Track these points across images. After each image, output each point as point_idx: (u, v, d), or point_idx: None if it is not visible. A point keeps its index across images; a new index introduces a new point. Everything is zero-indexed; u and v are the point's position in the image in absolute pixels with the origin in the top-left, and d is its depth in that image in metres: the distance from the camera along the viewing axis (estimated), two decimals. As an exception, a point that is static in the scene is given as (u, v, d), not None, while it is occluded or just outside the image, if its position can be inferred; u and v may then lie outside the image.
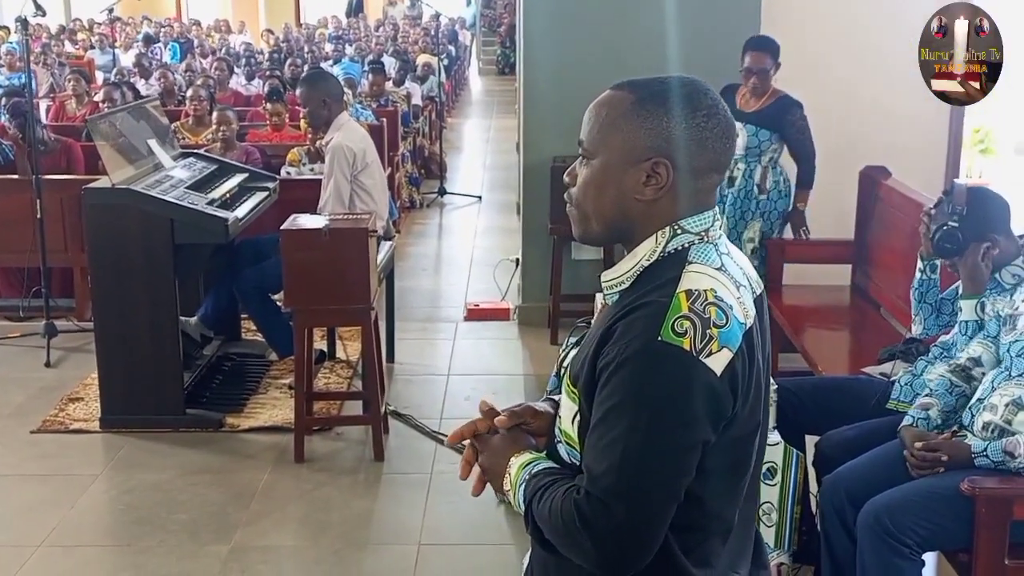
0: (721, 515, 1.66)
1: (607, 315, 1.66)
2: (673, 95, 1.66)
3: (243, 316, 5.90)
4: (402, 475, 4.58)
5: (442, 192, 10.51)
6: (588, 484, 1.56)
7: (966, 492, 2.82)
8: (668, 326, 1.53)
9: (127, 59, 14.34)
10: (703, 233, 1.66)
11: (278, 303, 5.53)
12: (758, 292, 1.71)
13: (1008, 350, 3.08)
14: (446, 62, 14.83)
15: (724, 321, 1.56)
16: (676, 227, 1.66)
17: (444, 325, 6.58)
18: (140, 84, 10.87)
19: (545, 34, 6.15)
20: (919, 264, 3.59)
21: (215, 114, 7.10)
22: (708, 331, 1.54)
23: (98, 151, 5.07)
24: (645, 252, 1.66)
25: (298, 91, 5.55)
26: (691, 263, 1.62)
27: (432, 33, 17.51)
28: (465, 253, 8.54)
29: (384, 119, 8.64)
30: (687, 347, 1.53)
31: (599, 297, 4.22)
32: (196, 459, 4.69)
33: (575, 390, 1.67)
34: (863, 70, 6.15)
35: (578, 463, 1.67)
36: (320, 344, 5.67)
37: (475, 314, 6.63)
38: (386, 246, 5.40)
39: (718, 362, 1.54)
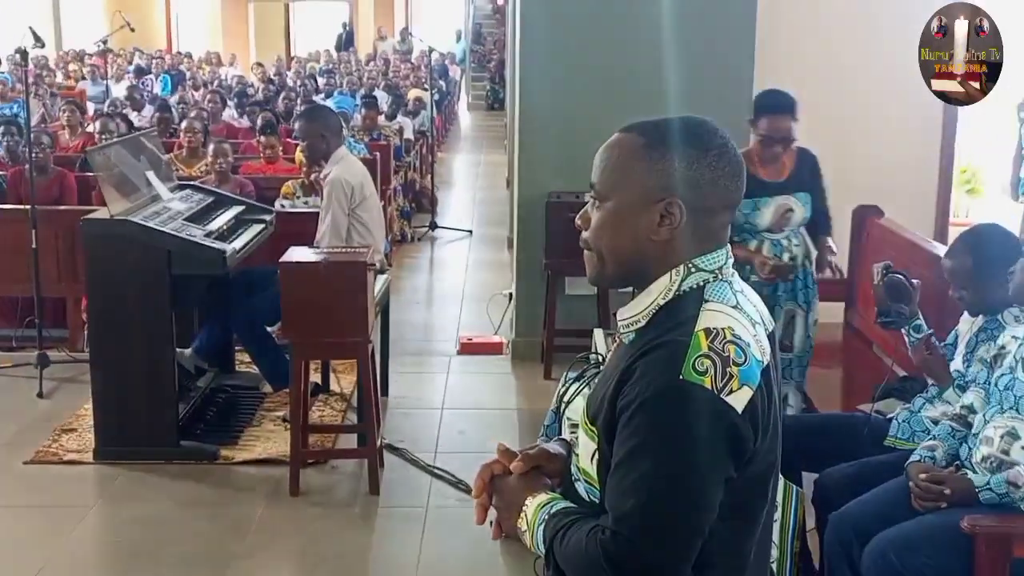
0: (739, 551, 1.68)
1: (624, 354, 1.68)
2: (683, 136, 1.69)
3: (237, 348, 5.89)
4: (398, 508, 4.57)
5: (433, 226, 10.54)
6: (614, 523, 1.57)
7: (966, 530, 2.84)
8: (689, 365, 1.56)
9: (118, 90, 14.37)
10: (717, 271, 1.69)
11: (273, 335, 5.55)
12: (770, 329, 1.74)
13: (996, 385, 3.11)
14: (436, 97, 14.91)
15: (743, 359, 1.58)
16: (690, 265, 1.68)
17: (437, 359, 6.58)
18: (133, 116, 10.88)
19: (539, 69, 6.20)
20: (904, 332, 3.62)
21: (212, 146, 7.13)
22: (728, 369, 1.56)
23: (95, 182, 5.10)
24: (660, 290, 1.69)
25: (296, 125, 5.58)
26: (708, 301, 1.65)
27: (422, 68, 17.62)
28: (457, 287, 8.55)
29: (377, 153, 8.69)
30: (708, 385, 1.55)
31: (597, 333, 4.26)
32: (191, 491, 4.67)
33: (593, 428, 1.69)
34: (854, 110, 6.24)
35: (598, 501, 1.69)
36: (314, 376, 5.66)
37: (468, 348, 6.64)
38: (382, 279, 5.41)
39: (739, 400, 1.56)
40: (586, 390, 3.48)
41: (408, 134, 11.65)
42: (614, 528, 1.57)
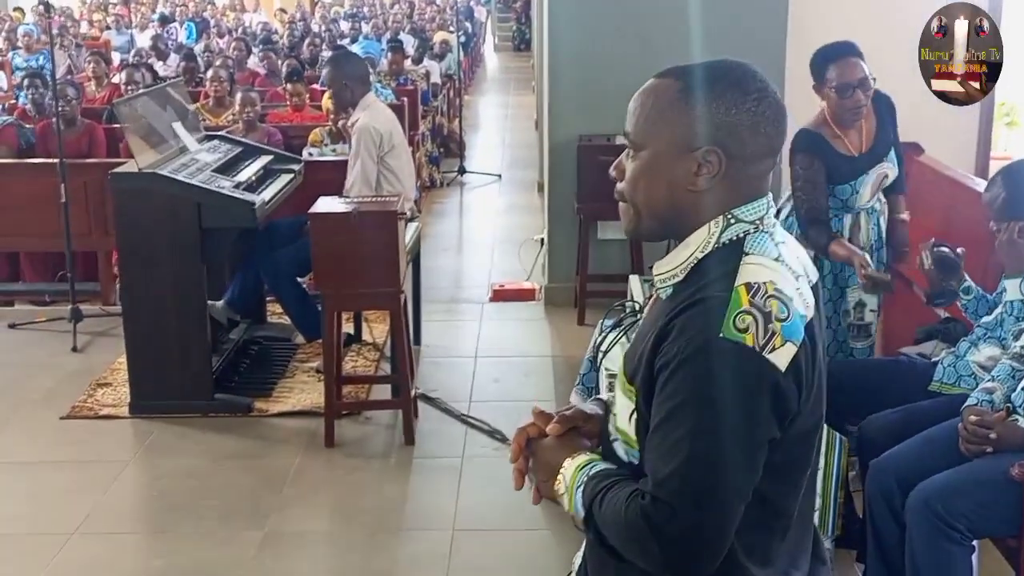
0: (783, 512, 1.62)
1: (662, 310, 1.61)
2: (721, 81, 1.60)
3: (269, 299, 5.87)
4: (433, 459, 4.55)
5: (462, 171, 10.45)
6: (654, 488, 1.51)
7: (1016, 477, 2.77)
8: (729, 322, 1.49)
9: (143, 40, 14.30)
10: (758, 221, 1.61)
11: (305, 286, 5.52)
12: (814, 281, 1.67)
13: None
14: (463, 39, 14.74)
15: (786, 315, 1.51)
16: (730, 216, 1.60)
17: (469, 306, 6.54)
18: (158, 65, 10.81)
19: (568, 10, 6.07)
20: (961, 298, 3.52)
21: (239, 95, 7.05)
22: (771, 325, 1.49)
23: (123, 134, 5.04)
24: (699, 243, 1.61)
25: (323, 72, 5.50)
26: (748, 254, 1.57)
27: (448, 10, 17.42)
28: (487, 233, 8.49)
29: (405, 98, 8.59)
30: (750, 343, 1.48)
31: (633, 280, 4.19)
32: (226, 444, 4.67)
33: (632, 387, 1.62)
34: (892, 43, 6.06)
35: (637, 462, 1.63)
36: (347, 327, 5.63)
37: (501, 295, 6.59)
38: (412, 228, 5.36)
39: (782, 357, 1.49)
40: (624, 340, 3.43)
41: (435, 78, 11.53)
42: (654, 493, 1.51)
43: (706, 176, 1.59)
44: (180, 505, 4.20)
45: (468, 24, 18.18)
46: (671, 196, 1.62)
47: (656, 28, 5.86)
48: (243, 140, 5.91)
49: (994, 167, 6.79)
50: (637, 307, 3.71)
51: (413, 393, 4.78)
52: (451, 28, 13.59)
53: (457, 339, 5.98)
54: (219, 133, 5.99)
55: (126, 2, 15.33)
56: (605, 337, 3.51)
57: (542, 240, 6.87)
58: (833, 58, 3.79)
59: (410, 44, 12.41)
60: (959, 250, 3.50)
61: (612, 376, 3.26)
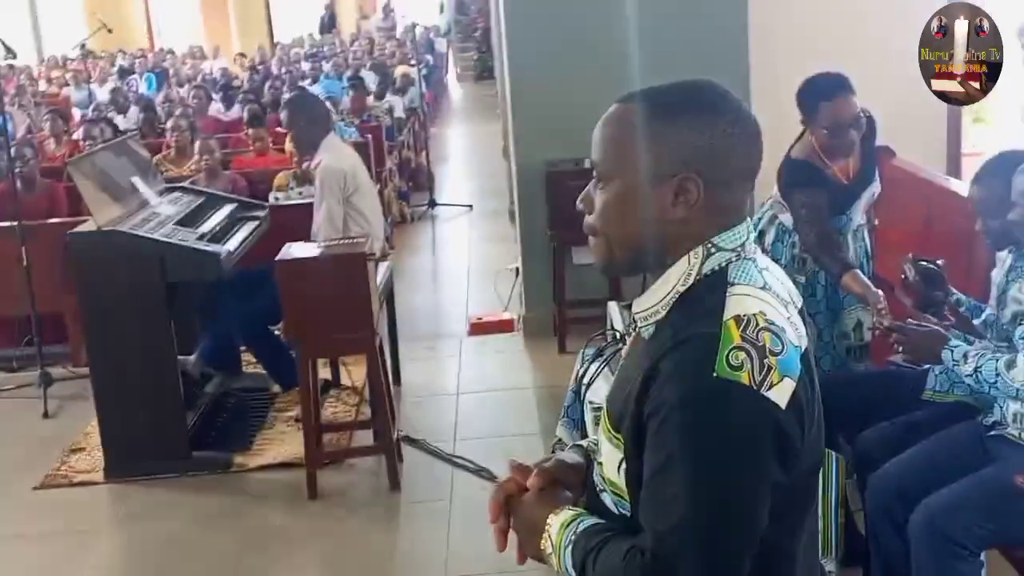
0: (788, 554, 1.51)
1: (645, 351, 1.50)
2: (692, 102, 1.51)
3: (242, 348, 5.75)
4: (421, 504, 4.42)
5: (432, 204, 10.35)
6: (654, 545, 1.40)
7: (1022, 485, 2.68)
8: (722, 360, 1.38)
9: (102, 94, 14.17)
10: (739, 249, 1.51)
11: (278, 333, 5.40)
12: (799, 306, 1.57)
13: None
14: (424, 72, 14.67)
15: (780, 348, 1.41)
16: (710, 245, 1.50)
17: (448, 341, 6.43)
18: (118, 119, 10.69)
19: (527, 37, 6.00)
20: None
21: (197, 144, 6.96)
22: (766, 360, 1.39)
23: (80, 193, 4.93)
24: (679, 276, 1.51)
25: (281, 115, 5.40)
26: (733, 284, 1.47)
27: (408, 44, 17.37)
28: (462, 265, 8.40)
29: (369, 135, 8.50)
30: (746, 382, 1.37)
31: (612, 307, 4.08)
32: (207, 504, 4.53)
33: (618, 435, 1.51)
34: (855, 46, 6.02)
35: (629, 513, 1.52)
36: (323, 372, 5.51)
37: (479, 328, 6.48)
38: (383, 267, 5.25)
39: (781, 394, 1.39)
40: (607, 371, 3.34)
41: (399, 112, 11.44)
42: (654, 550, 1.39)
43: (683, 205, 1.49)
44: (163, 572, 4.06)
45: (429, 57, 18.16)
46: (646, 228, 1.51)
47: (615, 49, 5.77)
48: (205, 189, 5.80)
49: (966, 164, 6.76)
50: (618, 335, 3.62)
51: (396, 436, 4.66)
52: (412, 61, 13.51)
53: (437, 376, 5.87)
54: (181, 184, 5.88)
55: (84, 57, 15.17)
56: (587, 368, 3.42)
57: (516, 269, 6.77)
58: (826, 96, 3.60)
59: (372, 80, 12.33)
60: (939, 261, 3.41)
61: (597, 409, 3.17)
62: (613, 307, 3.80)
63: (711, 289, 1.47)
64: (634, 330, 1.61)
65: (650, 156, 1.49)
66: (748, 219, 1.54)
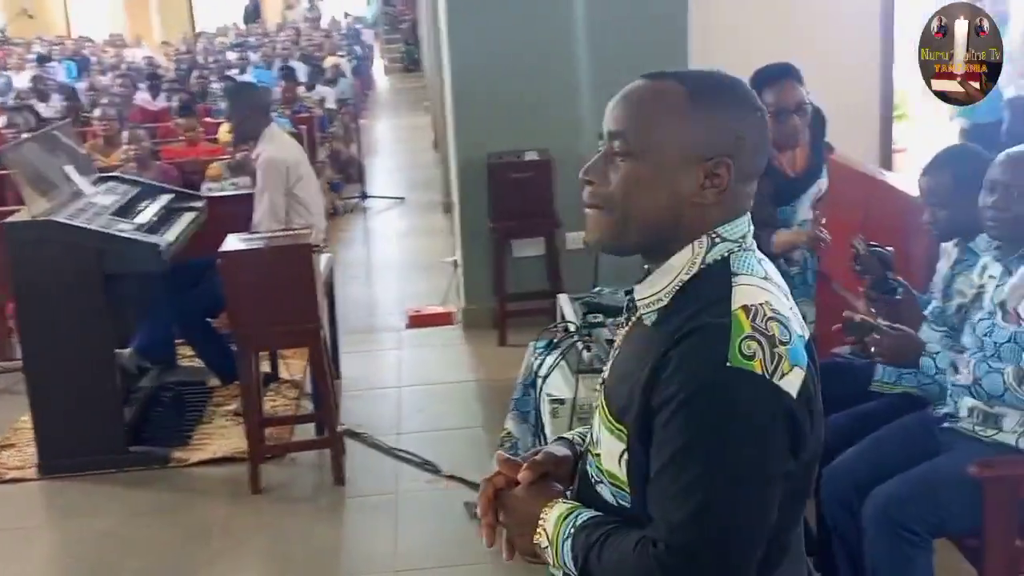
0: (785, 544, 1.52)
1: (651, 340, 1.49)
2: (731, 91, 1.52)
3: (178, 341, 5.64)
4: (365, 498, 4.38)
5: (364, 196, 10.26)
6: (668, 535, 1.39)
7: (974, 475, 2.73)
8: (735, 349, 1.38)
9: (20, 81, 13.81)
10: (741, 240, 1.52)
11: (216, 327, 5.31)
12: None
13: (975, 331, 2.98)
14: (353, 63, 14.56)
15: (788, 337, 1.42)
16: (714, 235, 1.50)
17: (386, 335, 6.38)
18: (40, 107, 10.41)
19: (470, 29, 5.96)
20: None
21: (126, 133, 6.82)
22: (776, 350, 1.39)
23: (10, 182, 4.79)
24: (682, 265, 1.50)
25: (223, 104, 5.31)
26: (737, 275, 1.47)
27: (335, 35, 17.23)
28: (396, 257, 8.35)
29: (303, 126, 8.40)
30: (759, 371, 1.38)
31: (562, 299, 4.09)
32: (146, 499, 4.44)
33: (622, 427, 1.49)
34: (791, 44, 6.09)
35: (629, 505, 1.51)
36: (262, 365, 5.42)
37: (417, 321, 6.44)
38: (324, 258, 5.18)
39: (792, 384, 1.40)
40: (563, 362, 3.34)
41: (330, 103, 11.34)
42: (668, 540, 1.39)
43: (713, 189, 1.48)
44: (99, 569, 3.96)
45: (357, 47, 18.00)
46: (672, 209, 1.49)
47: (557, 44, 5.81)
48: (141, 179, 5.67)
49: (896, 160, 6.91)
50: (568, 327, 3.62)
51: (339, 430, 4.61)
52: (341, 52, 13.40)
53: (377, 370, 5.82)
54: (114, 174, 5.74)
55: (1, 43, 14.76)
56: (542, 361, 3.42)
57: (455, 262, 6.75)
58: (770, 81, 3.68)
59: (301, 71, 12.19)
60: (888, 248, 3.47)
61: (555, 402, 3.17)
62: (564, 299, 3.80)
63: (715, 279, 1.48)
64: (628, 319, 1.60)
65: (687, 136, 1.48)
66: (748, 213, 1.54)
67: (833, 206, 4.94)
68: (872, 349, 2.89)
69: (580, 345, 3.25)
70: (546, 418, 3.20)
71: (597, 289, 3.79)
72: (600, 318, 3.50)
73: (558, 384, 3.22)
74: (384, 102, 20.05)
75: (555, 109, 5.79)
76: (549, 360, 3.31)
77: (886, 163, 6.31)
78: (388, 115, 17.84)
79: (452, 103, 6.18)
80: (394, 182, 11.33)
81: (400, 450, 4.69)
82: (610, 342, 3.30)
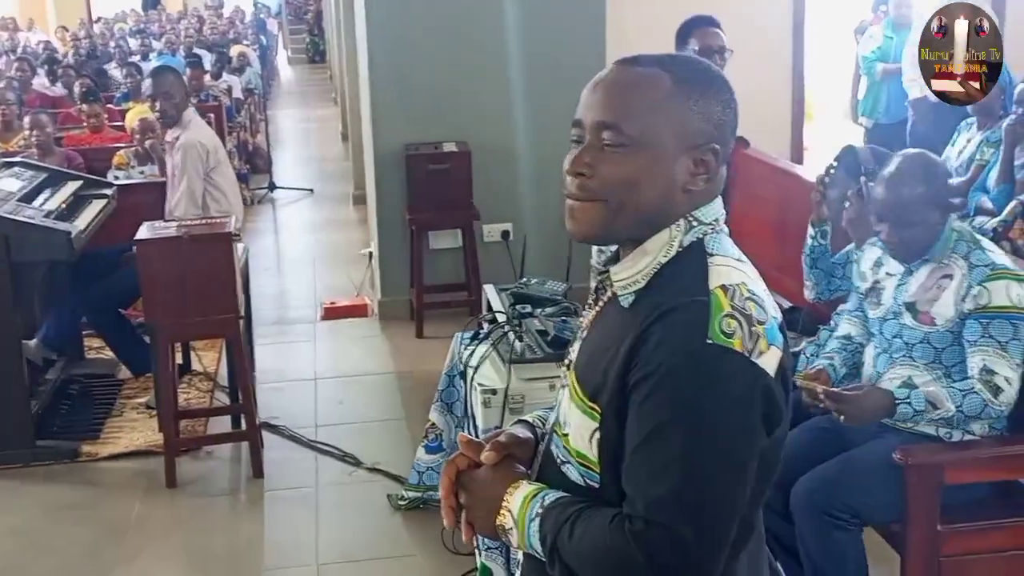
0: (751, 523, 1.53)
1: (627, 320, 1.49)
2: (712, 79, 1.53)
3: (85, 332, 5.48)
4: (286, 491, 4.31)
5: (272, 187, 10.11)
6: (646, 511, 1.39)
7: (898, 461, 2.79)
8: (715, 327, 1.39)
9: (-92, 63, 13.27)
10: (714, 222, 1.53)
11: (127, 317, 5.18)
12: None
13: (880, 330, 3.05)
14: (258, 52, 14.33)
15: (764, 317, 1.44)
16: (691, 219, 1.51)
17: (300, 327, 6.29)
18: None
19: (387, 20, 5.89)
20: (810, 231, 3.57)
21: (28, 118, 6.60)
22: (754, 329, 1.41)
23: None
24: (659, 247, 1.50)
25: (145, 86, 5.17)
26: (712, 255, 1.49)
27: (239, 23, 16.93)
28: (307, 249, 8.24)
29: (211, 115, 8.22)
30: (739, 348, 1.39)
31: (489, 289, 4.06)
32: (56, 495, 4.30)
33: (594, 405, 1.49)
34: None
35: (597, 484, 1.51)
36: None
37: (332, 312, 6.36)
38: (240, 248, 5.08)
39: (769, 363, 1.42)
40: (493, 353, 3.32)
41: (237, 92, 11.14)
42: (647, 516, 1.38)
43: (703, 176, 1.50)
44: (9, 569, 3.82)
45: (262, 37, 17.72)
46: (667, 196, 1.50)
47: (475, 35, 5.78)
48: (48, 166, 5.49)
49: (807, 158, 7.05)
50: (496, 317, 3.61)
51: (257, 422, 4.53)
52: (246, 41, 13.17)
53: (292, 361, 5.73)
54: (19, 159, 5.55)
55: None
56: (473, 352, 3.39)
57: (370, 254, 6.68)
58: (694, 27, 4.02)
59: (207, 59, 11.95)
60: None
61: (489, 392, 3.16)
62: (491, 290, 3.77)
63: (691, 260, 1.49)
64: (597, 300, 1.60)
65: (681, 123, 1.49)
66: (720, 196, 1.56)
67: (747, 200, 5.03)
68: (842, 419, 2.85)
69: (512, 336, 3.24)
70: (477, 409, 3.18)
71: (524, 280, 3.78)
72: (528, 308, 3.49)
73: (489, 374, 3.21)
74: (289, 93, 19.79)
75: (474, 100, 5.78)
76: (480, 350, 3.29)
77: (797, 158, 6.44)
78: (294, 106, 17.60)
79: (368, 93, 6.11)
80: (303, 173, 11.19)
81: (319, 442, 4.63)
82: (541, 332, 3.30)
